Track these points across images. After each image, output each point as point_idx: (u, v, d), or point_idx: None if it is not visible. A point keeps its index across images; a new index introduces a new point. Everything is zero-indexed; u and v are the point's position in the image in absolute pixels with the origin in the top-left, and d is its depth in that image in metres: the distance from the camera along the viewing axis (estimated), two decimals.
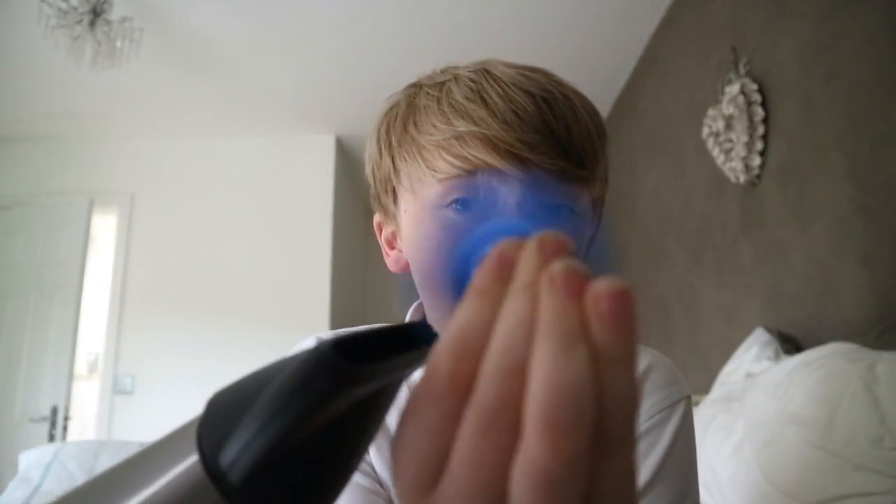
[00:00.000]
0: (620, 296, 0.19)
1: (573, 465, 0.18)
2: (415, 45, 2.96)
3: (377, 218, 0.63)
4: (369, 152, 0.61)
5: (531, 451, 0.18)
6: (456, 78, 0.55)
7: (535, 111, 0.50)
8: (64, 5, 2.39)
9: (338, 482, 0.25)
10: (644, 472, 0.55)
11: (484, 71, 0.54)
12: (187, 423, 0.23)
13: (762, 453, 1.13)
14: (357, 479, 0.56)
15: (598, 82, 3.23)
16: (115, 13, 2.46)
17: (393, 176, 0.57)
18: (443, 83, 0.55)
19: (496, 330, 0.20)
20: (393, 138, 0.57)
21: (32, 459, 1.76)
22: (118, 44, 2.47)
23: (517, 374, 0.19)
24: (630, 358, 0.19)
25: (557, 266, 0.20)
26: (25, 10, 2.50)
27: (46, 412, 3.22)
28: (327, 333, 0.62)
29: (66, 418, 3.23)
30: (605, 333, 0.19)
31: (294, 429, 0.20)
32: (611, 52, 2.99)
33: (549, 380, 0.18)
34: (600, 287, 0.19)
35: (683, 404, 0.59)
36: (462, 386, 0.20)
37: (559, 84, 0.55)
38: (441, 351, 0.21)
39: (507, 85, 0.52)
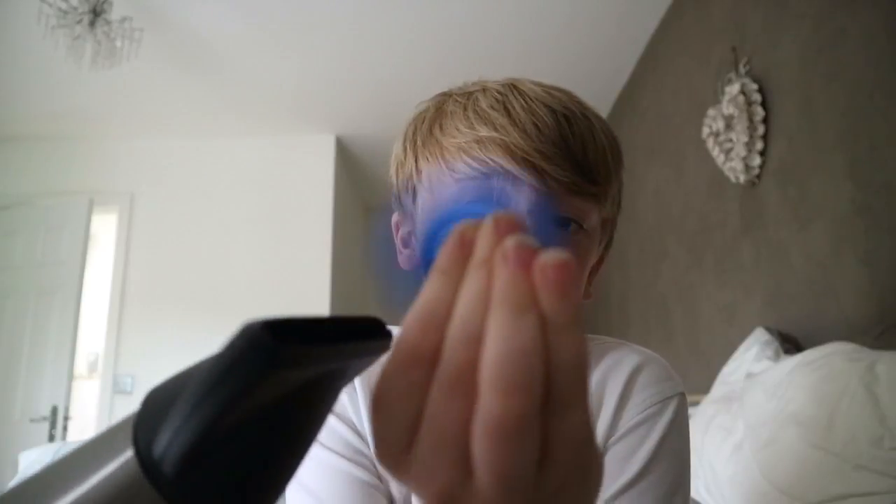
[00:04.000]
0: (564, 266, 0.21)
1: (525, 420, 0.20)
2: (415, 46, 2.96)
3: (395, 217, 0.65)
4: (395, 153, 0.64)
5: (487, 408, 0.20)
6: (484, 89, 0.58)
7: (555, 125, 0.53)
8: (64, 5, 2.39)
9: (282, 474, 0.24)
10: (633, 465, 0.55)
11: (511, 85, 0.57)
12: (126, 417, 0.22)
13: (762, 453, 1.13)
14: (356, 472, 0.56)
15: (598, 82, 3.23)
16: (115, 13, 2.46)
17: (415, 174, 0.60)
18: (471, 93, 0.58)
19: (457, 303, 0.22)
20: (418, 139, 0.60)
21: (32, 459, 1.76)
22: (118, 44, 2.47)
23: (476, 342, 0.21)
24: (575, 323, 0.21)
25: (509, 242, 0.22)
26: (25, 10, 2.50)
27: (46, 412, 3.21)
28: None
29: (66, 418, 3.22)
30: (551, 300, 0.21)
31: (223, 413, 0.19)
32: (611, 52, 2.99)
33: (501, 344, 0.20)
34: (546, 258, 0.21)
35: (676, 400, 0.59)
36: (428, 356, 0.22)
37: (581, 105, 0.58)
38: (409, 324, 0.23)
39: (531, 99, 0.55)
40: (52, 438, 3.15)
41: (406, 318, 0.23)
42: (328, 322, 0.23)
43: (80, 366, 4.43)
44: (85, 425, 4.12)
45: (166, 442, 0.19)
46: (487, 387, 0.20)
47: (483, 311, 0.21)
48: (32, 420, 3.22)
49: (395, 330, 0.24)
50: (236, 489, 0.22)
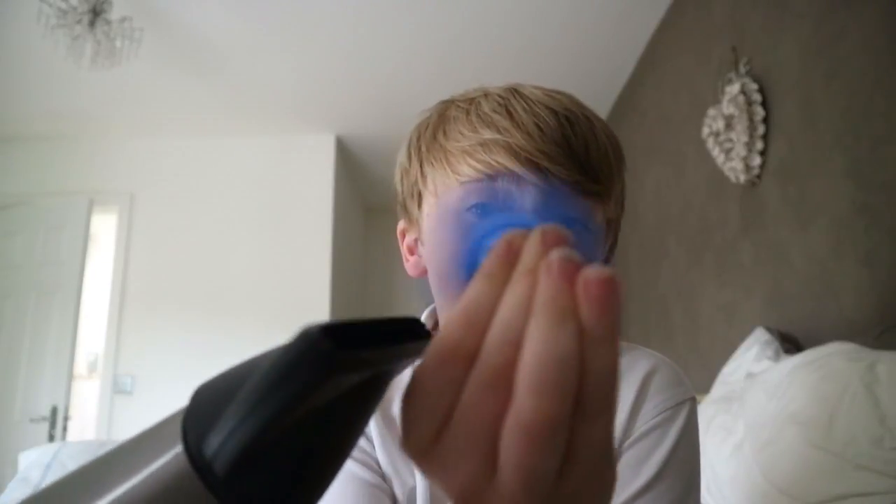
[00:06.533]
0: (607, 282, 0.22)
1: (555, 424, 0.21)
2: (414, 46, 2.96)
3: (401, 225, 0.66)
4: (399, 160, 0.64)
5: (520, 409, 0.21)
6: (486, 95, 0.59)
7: (557, 126, 0.54)
8: (63, 5, 2.39)
9: (327, 473, 0.24)
10: (647, 469, 0.55)
11: (513, 90, 0.58)
12: (173, 413, 0.22)
13: (762, 453, 1.13)
14: (361, 472, 0.57)
15: (598, 82, 3.23)
16: (114, 13, 2.46)
17: (420, 180, 0.60)
18: (473, 98, 0.59)
19: (500, 307, 0.23)
20: (423, 145, 0.60)
21: (32, 459, 1.76)
22: (118, 44, 2.47)
23: (515, 346, 0.22)
24: (612, 337, 0.22)
25: (555, 254, 0.23)
26: (25, 9, 2.50)
27: (46, 412, 3.21)
28: None
29: (65, 418, 3.22)
30: (591, 314, 0.22)
31: (280, 417, 0.19)
32: (611, 52, 2.99)
33: (540, 348, 0.21)
34: (590, 273, 0.22)
35: (688, 406, 0.59)
36: (467, 354, 0.23)
37: (582, 107, 0.58)
38: (451, 322, 0.24)
39: (532, 102, 0.56)
40: (51, 438, 3.14)
41: (449, 316, 0.24)
42: (374, 324, 0.24)
43: (80, 366, 4.43)
44: (85, 425, 4.12)
45: (220, 442, 0.20)
46: (523, 388, 0.21)
47: (524, 317, 0.22)
48: (32, 420, 3.22)
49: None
50: (285, 488, 0.22)
